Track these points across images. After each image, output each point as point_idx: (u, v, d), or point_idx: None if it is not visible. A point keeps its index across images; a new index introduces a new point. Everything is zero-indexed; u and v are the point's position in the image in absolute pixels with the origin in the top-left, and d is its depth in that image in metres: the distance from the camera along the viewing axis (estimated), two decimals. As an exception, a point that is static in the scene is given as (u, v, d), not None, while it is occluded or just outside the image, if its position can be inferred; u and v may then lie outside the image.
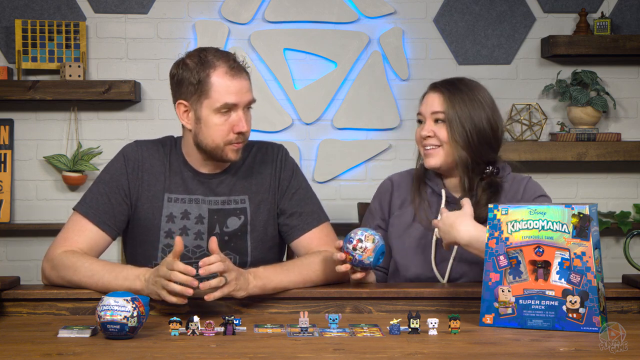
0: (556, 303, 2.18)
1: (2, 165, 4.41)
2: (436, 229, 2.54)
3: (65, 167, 4.38)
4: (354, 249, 2.40)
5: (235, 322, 2.15)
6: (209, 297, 2.27)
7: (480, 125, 2.61)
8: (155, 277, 2.28)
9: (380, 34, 4.49)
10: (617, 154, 4.38)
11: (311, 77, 4.51)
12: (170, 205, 2.60)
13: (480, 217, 2.49)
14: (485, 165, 2.65)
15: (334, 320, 2.17)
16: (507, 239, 2.23)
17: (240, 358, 1.91)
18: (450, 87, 2.66)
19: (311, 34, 4.48)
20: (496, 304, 2.23)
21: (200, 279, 2.30)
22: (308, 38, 4.48)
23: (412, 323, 2.13)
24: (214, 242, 2.31)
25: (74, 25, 4.38)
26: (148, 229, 2.61)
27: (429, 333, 2.13)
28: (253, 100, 2.58)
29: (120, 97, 4.31)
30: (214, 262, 2.28)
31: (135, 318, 2.05)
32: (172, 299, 2.26)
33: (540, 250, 2.19)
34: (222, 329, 2.14)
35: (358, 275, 2.45)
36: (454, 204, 2.66)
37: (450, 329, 2.14)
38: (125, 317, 2.04)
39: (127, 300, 2.05)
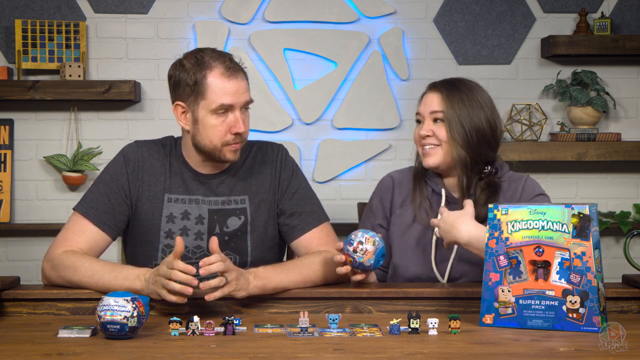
0: (556, 303, 2.18)
1: (2, 165, 4.41)
2: (436, 229, 2.53)
3: (65, 167, 4.38)
4: (355, 251, 2.39)
5: (235, 322, 2.15)
6: (209, 297, 2.27)
7: (479, 125, 2.62)
8: (155, 277, 2.28)
9: (380, 34, 4.49)
10: (617, 154, 4.38)
11: (311, 77, 4.50)
12: (170, 206, 2.60)
13: (479, 217, 2.49)
14: (484, 164, 2.65)
15: (334, 320, 2.17)
16: (507, 239, 2.23)
17: (240, 358, 1.91)
18: (449, 87, 2.66)
19: (311, 34, 4.48)
20: (496, 304, 2.23)
21: (201, 279, 2.30)
22: (308, 38, 4.48)
23: (412, 323, 2.13)
24: (214, 242, 2.31)
25: (74, 25, 4.38)
26: (148, 229, 2.61)
27: (429, 333, 2.13)
28: (250, 101, 2.58)
29: (120, 97, 4.31)
30: (215, 262, 2.28)
31: (135, 318, 2.05)
32: (172, 298, 2.26)
33: (540, 250, 2.19)
34: (222, 329, 2.14)
35: (358, 277, 2.45)
36: (453, 204, 2.66)
37: (450, 329, 2.14)
38: (125, 317, 2.04)
39: (127, 300, 2.05)
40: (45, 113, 4.46)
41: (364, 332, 2.15)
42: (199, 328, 2.11)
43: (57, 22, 4.37)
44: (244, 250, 2.62)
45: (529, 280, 2.21)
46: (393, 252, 2.70)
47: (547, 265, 2.19)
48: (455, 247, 2.61)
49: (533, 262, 2.20)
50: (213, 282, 2.27)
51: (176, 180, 2.63)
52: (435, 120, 2.65)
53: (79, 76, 4.30)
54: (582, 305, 2.16)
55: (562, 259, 2.17)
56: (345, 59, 4.49)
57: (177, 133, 2.71)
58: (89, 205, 2.57)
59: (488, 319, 2.24)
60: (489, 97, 2.68)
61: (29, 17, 4.40)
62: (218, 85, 2.52)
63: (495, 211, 2.25)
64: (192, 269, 2.24)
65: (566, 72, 4.51)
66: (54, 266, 2.47)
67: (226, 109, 2.53)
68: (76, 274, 2.42)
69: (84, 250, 2.51)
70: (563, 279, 2.17)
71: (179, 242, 2.26)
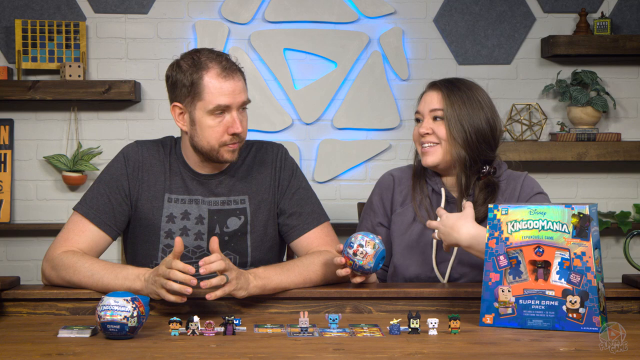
0: (556, 303, 2.18)
1: (2, 165, 4.41)
2: (435, 231, 2.52)
3: (65, 167, 4.38)
4: (355, 254, 2.39)
5: (235, 322, 2.15)
6: (210, 296, 2.27)
7: (479, 125, 2.61)
8: (154, 277, 2.29)
9: (380, 34, 4.49)
10: (617, 154, 4.38)
11: (311, 77, 4.51)
12: (170, 206, 2.60)
13: (478, 217, 2.50)
14: (483, 164, 2.64)
15: (334, 320, 2.17)
16: (507, 239, 2.23)
17: (240, 358, 1.91)
18: (449, 86, 2.66)
19: (311, 34, 4.48)
20: (496, 304, 2.23)
21: (201, 278, 2.30)
22: (308, 38, 4.48)
23: (412, 323, 2.13)
24: (214, 242, 2.31)
25: (74, 25, 4.38)
26: (148, 229, 2.61)
27: (429, 333, 2.13)
28: (247, 101, 2.57)
29: (120, 97, 4.31)
30: (215, 260, 2.28)
31: (135, 318, 2.05)
32: (171, 298, 2.26)
33: (540, 250, 2.19)
34: (222, 329, 2.14)
35: (358, 280, 2.45)
36: (452, 204, 2.66)
37: (450, 329, 2.14)
38: (125, 317, 2.04)
39: (127, 300, 2.05)
40: (45, 113, 4.46)
41: (364, 332, 2.15)
42: (199, 328, 2.11)
43: (57, 22, 4.37)
44: (244, 250, 2.62)
45: (529, 280, 2.21)
46: (393, 250, 2.70)
47: (547, 265, 2.19)
48: (455, 248, 2.61)
49: (533, 262, 2.20)
50: (214, 281, 2.27)
51: (176, 180, 2.63)
52: (434, 118, 2.64)
53: (79, 76, 4.30)
54: (582, 305, 2.15)
55: (562, 259, 2.17)
56: (345, 59, 4.49)
57: (177, 133, 2.71)
58: (89, 206, 2.57)
59: (488, 319, 2.24)
60: (488, 98, 2.68)
61: (29, 17, 4.40)
62: (214, 86, 2.51)
63: (495, 211, 2.25)
64: (191, 269, 2.24)
65: (566, 72, 4.51)
66: (54, 266, 2.47)
67: (223, 109, 2.53)
68: (76, 274, 2.42)
69: (84, 250, 2.51)
70: (563, 279, 2.17)
71: (178, 243, 2.26)
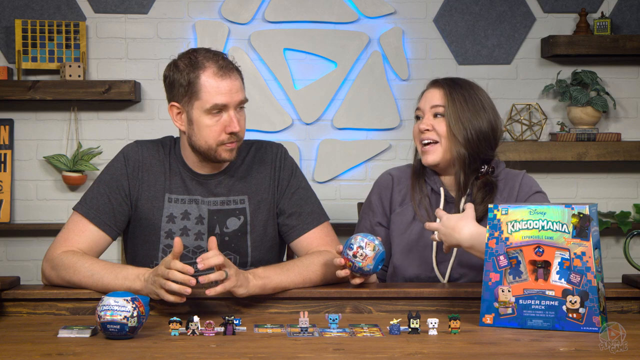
0: (556, 303, 2.18)
1: (2, 165, 4.41)
2: (435, 233, 2.51)
3: (65, 167, 4.39)
4: (354, 255, 2.39)
5: (235, 322, 2.15)
6: (209, 292, 2.27)
7: (480, 125, 2.61)
8: (153, 277, 2.28)
9: (380, 34, 4.49)
10: (617, 154, 4.38)
11: (311, 77, 4.51)
12: (170, 206, 2.60)
13: (476, 216, 2.49)
14: (482, 163, 2.64)
15: (334, 320, 2.17)
16: (507, 239, 2.23)
17: (240, 358, 1.91)
18: (451, 84, 2.66)
19: (311, 34, 4.48)
20: (496, 304, 2.23)
21: (200, 273, 2.30)
22: (308, 38, 4.48)
23: (412, 323, 2.13)
24: (212, 241, 2.31)
25: (74, 25, 4.38)
26: (148, 229, 2.61)
27: (429, 333, 2.13)
28: (245, 100, 2.57)
29: (120, 97, 4.31)
30: (212, 256, 2.27)
31: (135, 318, 2.05)
32: (170, 298, 2.26)
33: (540, 250, 2.19)
34: (222, 329, 2.14)
35: (357, 281, 2.44)
36: (451, 203, 2.66)
37: (450, 329, 2.14)
38: (125, 317, 2.04)
39: (127, 300, 2.05)
40: (45, 113, 4.46)
41: (364, 332, 2.15)
42: (199, 328, 2.11)
43: (57, 22, 4.37)
44: (244, 250, 2.62)
45: (529, 280, 2.21)
46: (393, 250, 2.69)
47: (547, 265, 2.19)
48: (455, 248, 2.60)
49: (533, 262, 2.20)
50: (212, 276, 2.27)
51: (176, 180, 2.62)
52: (435, 115, 2.64)
53: (79, 76, 4.30)
54: (582, 305, 2.15)
55: (562, 259, 2.17)
56: (345, 59, 4.49)
57: (177, 133, 2.70)
58: (89, 206, 2.57)
59: (488, 319, 2.24)
60: (489, 98, 2.68)
61: (29, 17, 4.40)
62: (211, 85, 2.51)
63: (495, 211, 2.25)
64: (191, 269, 2.24)
65: (566, 72, 4.51)
66: (54, 266, 2.47)
67: (220, 108, 2.53)
68: (76, 274, 2.42)
69: (84, 250, 2.51)
70: (563, 279, 2.17)
71: (178, 243, 2.26)
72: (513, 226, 2.22)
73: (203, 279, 2.26)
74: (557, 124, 4.53)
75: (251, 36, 4.46)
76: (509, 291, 2.22)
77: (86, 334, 2.10)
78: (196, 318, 2.11)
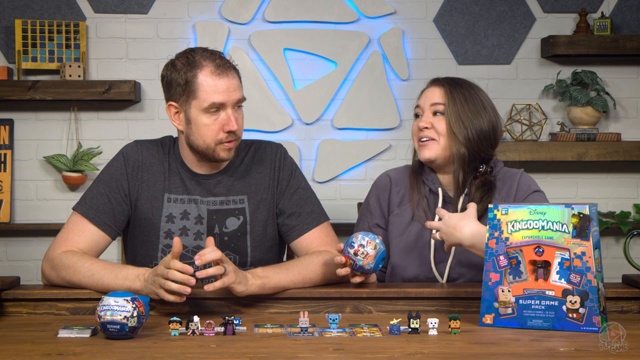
0: (556, 303, 2.18)
1: (2, 165, 4.41)
2: (434, 232, 2.51)
3: (65, 167, 4.39)
4: (355, 254, 2.39)
5: (235, 322, 2.15)
6: (208, 287, 2.26)
7: (481, 125, 2.61)
8: (153, 277, 2.28)
9: (380, 34, 4.49)
10: (617, 154, 4.38)
11: (311, 77, 4.51)
12: (169, 206, 2.60)
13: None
14: (481, 162, 2.64)
15: (334, 320, 2.17)
16: (507, 239, 2.23)
17: (240, 358, 1.91)
18: (451, 83, 2.66)
19: (311, 34, 4.48)
20: (496, 304, 2.23)
21: (199, 270, 2.29)
22: (308, 38, 4.48)
23: (412, 323, 2.13)
24: (210, 240, 2.31)
25: (74, 25, 4.38)
26: (148, 229, 2.60)
27: (429, 333, 2.13)
28: (243, 99, 2.57)
29: (120, 97, 4.31)
30: (209, 252, 2.27)
31: (135, 318, 2.05)
32: (170, 298, 2.26)
33: (540, 250, 2.19)
34: (222, 329, 2.14)
35: (357, 280, 2.44)
36: (449, 203, 2.66)
37: (450, 329, 2.14)
38: (125, 317, 2.04)
39: (127, 300, 2.05)
40: (45, 113, 4.46)
41: (364, 332, 2.15)
42: (199, 328, 2.11)
43: (57, 22, 4.37)
44: (244, 250, 2.62)
45: (529, 280, 2.21)
46: (391, 251, 2.69)
47: (547, 265, 2.19)
48: (454, 248, 2.60)
49: (533, 262, 2.20)
50: (211, 271, 2.27)
51: (175, 180, 2.62)
52: (435, 113, 2.64)
53: (79, 76, 4.30)
54: (582, 305, 2.15)
55: (562, 259, 2.17)
56: (345, 59, 4.49)
57: (177, 133, 2.70)
58: (89, 205, 2.57)
59: (488, 319, 2.24)
60: (489, 99, 2.68)
61: (29, 17, 4.40)
62: (209, 84, 2.51)
63: (495, 211, 2.25)
64: (190, 269, 2.24)
65: (566, 72, 4.51)
66: (54, 266, 2.47)
67: (218, 107, 2.52)
68: (76, 274, 2.42)
69: (84, 250, 2.51)
70: (563, 279, 2.17)
71: (177, 243, 2.26)
72: (513, 226, 2.22)
73: (200, 273, 2.25)
74: (557, 124, 4.53)
75: (251, 36, 4.47)
76: (509, 291, 2.22)
77: (86, 334, 2.10)
78: (196, 318, 2.11)
